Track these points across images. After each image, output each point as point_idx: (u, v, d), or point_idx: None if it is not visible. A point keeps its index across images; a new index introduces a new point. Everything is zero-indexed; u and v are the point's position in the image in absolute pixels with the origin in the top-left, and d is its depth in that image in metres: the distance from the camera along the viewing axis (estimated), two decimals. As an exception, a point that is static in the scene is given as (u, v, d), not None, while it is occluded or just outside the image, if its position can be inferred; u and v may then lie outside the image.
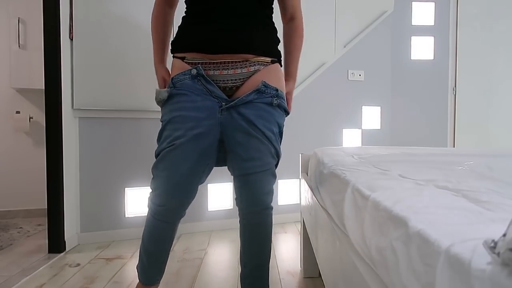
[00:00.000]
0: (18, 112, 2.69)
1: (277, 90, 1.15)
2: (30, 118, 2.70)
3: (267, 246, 1.22)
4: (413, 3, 2.87)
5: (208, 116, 1.09)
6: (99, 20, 2.07)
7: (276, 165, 1.20)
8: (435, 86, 2.89)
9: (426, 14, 2.88)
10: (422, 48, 2.88)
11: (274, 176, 1.18)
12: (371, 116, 2.77)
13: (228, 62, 1.10)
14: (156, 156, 1.13)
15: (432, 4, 2.87)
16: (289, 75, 1.28)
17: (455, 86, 2.90)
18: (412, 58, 2.87)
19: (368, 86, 2.75)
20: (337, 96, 2.68)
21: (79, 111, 2.07)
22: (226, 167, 1.20)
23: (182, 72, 1.11)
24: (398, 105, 2.85)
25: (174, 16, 1.25)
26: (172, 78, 1.13)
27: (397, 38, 2.84)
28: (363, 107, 2.75)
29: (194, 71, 1.09)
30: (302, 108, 2.58)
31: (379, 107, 2.79)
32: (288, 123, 2.51)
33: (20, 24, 2.56)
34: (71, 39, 2.02)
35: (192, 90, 1.10)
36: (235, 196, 1.20)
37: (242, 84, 1.12)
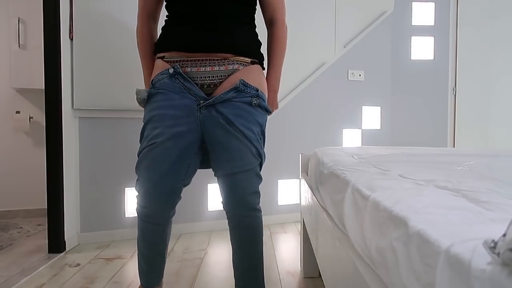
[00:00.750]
0: (18, 112, 2.69)
1: (257, 90, 1.13)
2: (30, 118, 2.70)
3: (258, 249, 1.19)
4: (413, 3, 2.86)
5: (187, 114, 1.09)
6: (99, 20, 2.07)
7: (260, 166, 1.18)
8: (435, 86, 2.89)
9: (426, 14, 2.88)
10: (422, 48, 2.88)
11: (258, 177, 1.16)
12: (371, 116, 2.77)
13: (206, 60, 1.09)
14: (138, 155, 1.13)
15: (432, 4, 2.87)
16: (269, 84, 1.23)
17: (455, 86, 2.90)
18: (412, 58, 2.87)
19: (368, 86, 2.75)
20: (337, 96, 2.68)
21: (79, 111, 2.07)
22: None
23: (160, 72, 1.12)
24: (398, 105, 2.85)
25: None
26: (152, 79, 1.14)
27: (397, 38, 2.84)
28: (363, 107, 2.75)
29: (171, 70, 1.09)
30: (302, 108, 2.58)
31: (379, 107, 2.79)
32: (288, 123, 2.53)
33: (20, 24, 2.56)
34: (71, 39, 2.02)
35: (170, 89, 1.10)
36: (221, 200, 1.18)
37: (221, 82, 1.11)
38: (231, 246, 1.22)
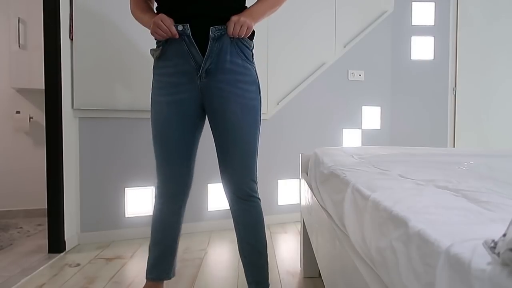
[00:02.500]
0: (18, 112, 2.69)
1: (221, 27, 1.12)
2: (30, 118, 2.70)
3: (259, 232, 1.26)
4: (413, 3, 2.86)
5: (188, 81, 1.15)
6: (99, 20, 2.07)
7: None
8: (435, 86, 2.89)
9: (426, 14, 2.87)
10: (422, 48, 2.87)
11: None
12: (371, 116, 2.77)
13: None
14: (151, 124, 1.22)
15: (432, 4, 2.87)
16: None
17: (455, 86, 2.90)
18: (412, 58, 2.87)
19: (368, 86, 2.75)
20: (337, 96, 2.68)
21: (79, 111, 2.07)
22: None
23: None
24: (398, 105, 2.85)
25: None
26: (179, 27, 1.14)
27: (397, 38, 2.84)
28: (363, 107, 2.75)
29: (180, 27, 1.12)
30: (302, 108, 2.58)
31: (379, 107, 2.79)
32: (288, 123, 2.54)
33: (20, 24, 2.56)
34: (71, 39, 2.02)
35: (176, 54, 1.15)
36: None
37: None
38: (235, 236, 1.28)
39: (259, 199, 1.25)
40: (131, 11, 1.28)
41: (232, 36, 1.12)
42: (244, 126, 1.17)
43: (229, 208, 1.26)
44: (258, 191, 1.26)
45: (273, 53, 2.48)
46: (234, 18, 1.11)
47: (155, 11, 1.21)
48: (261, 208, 1.25)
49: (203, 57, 1.12)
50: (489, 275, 0.31)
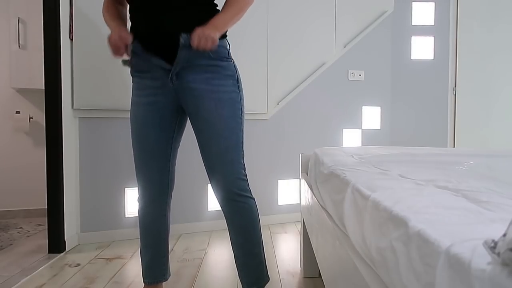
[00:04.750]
0: (18, 112, 2.69)
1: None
2: (30, 118, 2.70)
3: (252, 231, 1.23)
4: (413, 3, 2.86)
5: (162, 85, 1.15)
6: (99, 20, 2.05)
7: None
8: (435, 86, 2.89)
9: (426, 14, 2.87)
10: (422, 48, 2.88)
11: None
12: (371, 116, 2.77)
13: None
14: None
15: (432, 4, 2.87)
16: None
17: (455, 86, 2.90)
18: (412, 58, 2.87)
19: (368, 86, 2.75)
20: (337, 96, 2.68)
21: (79, 111, 2.07)
22: None
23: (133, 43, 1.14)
24: (398, 105, 2.85)
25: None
26: (132, 45, 1.15)
27: (397, 38, 2.84)
28: (363, 107, 2.75)
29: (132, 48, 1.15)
30: (302, 108, 2.58)
31: (379, 107, 2.79)
32: (288, 123, 2.54)
33: (20, 24, 2.56)
34: (71, 39, 2.02)
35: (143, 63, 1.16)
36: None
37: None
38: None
39: (251, 198, 1.20)
40: (102, 13, 1.26)
41: (196, 49, 1.07)
42: (221, 121, 1.14)
43: None
44: (251, 188, 1.21)
45: (273, 53, 2.48)
46: (198, 31, 1.05)
47: (128, 13, 1.21)
48: (254, 207, 1.20)
49: (170, 62, 1.11)
50: (489, 275, 0.31)
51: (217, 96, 1.14)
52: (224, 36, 1.18)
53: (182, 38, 1.09)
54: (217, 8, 1.19)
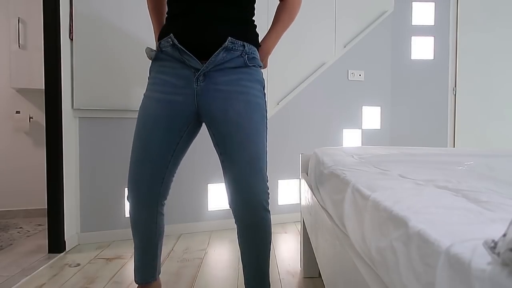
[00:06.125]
0: (18, 112, 2.69)
1: (243, 45, 1.10)
2: (30, 118, 2.70)
3: (264, 245, 1.18)
4: (413, 3, 2.86)
5: (185, 85, 1.09)
6: (99, 20, 2.07)
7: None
8: (435, 86, 2.89)
9: (426, 14, 2.88)
10: (422, 48, 2.88)
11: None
12: (371, 116, 2.77)
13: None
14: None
15: (432, 4, 2.87)
16: (263, 43, 1.22)
17: (455, 86, 2.90)
18: (412, 58, 2.87)
19: (368, 86, 2.75)
20: (337, 96, 2.68)
21: (79, 111, 2.07)
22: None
23: (165, 38, 1.11)
24: (398, 105, 2.85)
25: None
26: (160, 41, 1.13)
27: (397, 38, 2.84)
28: (363, 107, 2.75)
29: (170, 40, 1.10)
30: (302, 108, 2.58)
31: (379, 107, 2.79)
32: (289, 123, 2.53)
33: (20, 24, 2.56)
34: (71, 39, 2.02)
35: (171, 58, 1.11)
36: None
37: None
38: (239, 248, 1.20)
39: (269, 212, 1.14)
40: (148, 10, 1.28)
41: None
42: (251, 125, 1.08)
43: (229, 207, 1.15)
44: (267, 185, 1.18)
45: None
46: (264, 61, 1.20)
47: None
48: (270, 223, 1.14)
49: (202, 61, 1.07)
50: (489, 275, 0.31)
51: (246, 98, 1.09)
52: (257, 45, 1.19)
53: (229, 41, 1.06)
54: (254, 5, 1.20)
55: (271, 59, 2.48)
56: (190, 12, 1.09)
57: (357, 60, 2.71)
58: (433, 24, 2.87)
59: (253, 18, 1.19)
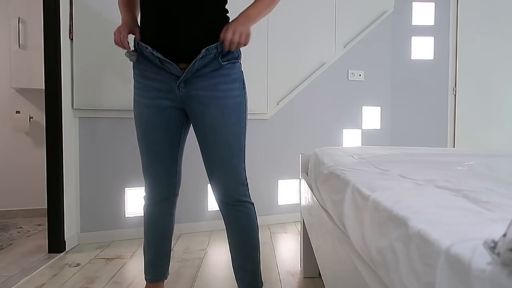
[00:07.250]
0: (18, 112, 2.69)
1: (217, 47, 1.08)
2: (30, 118, 2.70)
3: (250, 238, 1.23)
4: (413, 3, 2.86)
5: (169, 89, 1.12)
6: (99, 20, 2.07)
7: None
8: (435, 86, 2.89)
9: (426, 14, 2.87)
10: (422, 48, 2.87)
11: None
12: (371, 116, 2.77)
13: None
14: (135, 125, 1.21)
15: (432, 4, 2.87)
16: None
17: (455, 86, 2.90)
18: (412, 58, 2.87)
19: (368, 86, 2.75)
20: (337, 96, 2.68)
21: (79, 111, 2.07)
22: None
23: (144, 43, 1.11)
24: (398, 105, 2.85)
25: None
26: (138, 43, 1.13)
27: (397, 38, 2.84)
28: (363, 107, 2.75)
29: (149, 49, 1.10)
30: (302, 108, 2.58)
31: (379, 107, 2.79)
32: (289, 123, 2.53)
33: (20, 24, 2.56)
34: (71, 39, 2.02)
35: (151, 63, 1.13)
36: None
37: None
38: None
39: (251, 203, 1.21)
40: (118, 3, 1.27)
41: (229, 49, 1.08)
42: (226, 128, 1.13)
43: None
44: (251, 188, 1.22)
45: (273, 53, 2.48)
46: (232, 27, 1.05)
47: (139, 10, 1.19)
48: (253, 213, 1.21)
49: (181, 68, 1.09)
50: (489, 275, 0.31)
51: (224, 103, 1.12)
52: None
53: (203, 51, 1.06)
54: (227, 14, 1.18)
55: (271, 59, 2.50)
56: (162, 12, 1.09)
57: (357, 60, 2.71)
58: (433, 24, 2.87)
59: (225, 7, 1.16)
